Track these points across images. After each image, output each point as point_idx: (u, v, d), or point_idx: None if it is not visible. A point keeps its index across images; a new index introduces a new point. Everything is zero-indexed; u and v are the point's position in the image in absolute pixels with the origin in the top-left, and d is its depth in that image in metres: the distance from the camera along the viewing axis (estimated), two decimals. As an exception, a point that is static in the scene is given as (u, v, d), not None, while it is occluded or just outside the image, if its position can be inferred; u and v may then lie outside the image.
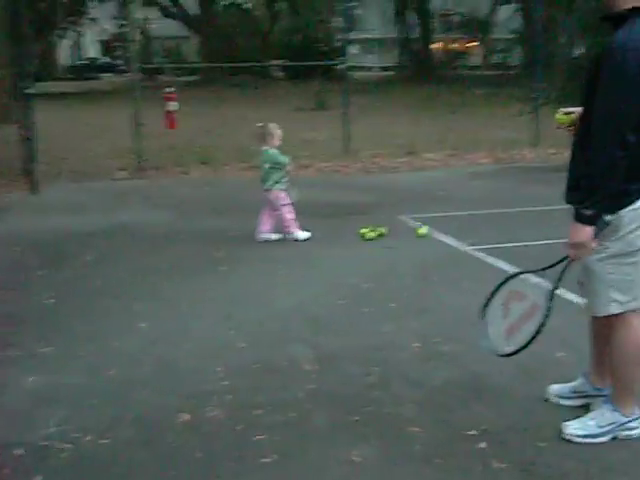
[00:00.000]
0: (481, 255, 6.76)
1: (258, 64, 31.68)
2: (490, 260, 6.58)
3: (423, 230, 7.54)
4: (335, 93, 22.01)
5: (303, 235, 7.31)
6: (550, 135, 13.35)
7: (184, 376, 4.23)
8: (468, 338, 4.65)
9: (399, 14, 39.04)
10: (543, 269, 3.46)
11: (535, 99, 13.67)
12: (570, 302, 4.78)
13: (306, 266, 6.51)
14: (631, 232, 3.21)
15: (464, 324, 4.90)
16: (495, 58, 44.33)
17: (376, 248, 7.07)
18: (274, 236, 7.31)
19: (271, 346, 4.65)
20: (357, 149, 12.58)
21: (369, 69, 43.71)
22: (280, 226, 7.35)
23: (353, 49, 52.84)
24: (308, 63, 29.16)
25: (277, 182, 7.32)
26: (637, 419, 3.49)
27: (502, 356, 3.48)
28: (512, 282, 3.54)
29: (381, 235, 7.39)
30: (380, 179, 11.02)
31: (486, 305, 3.56)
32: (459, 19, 43.03)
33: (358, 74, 40.94)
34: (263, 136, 7.25)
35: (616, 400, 3.48)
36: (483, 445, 3.46)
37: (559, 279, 3.35)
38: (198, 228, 7.90)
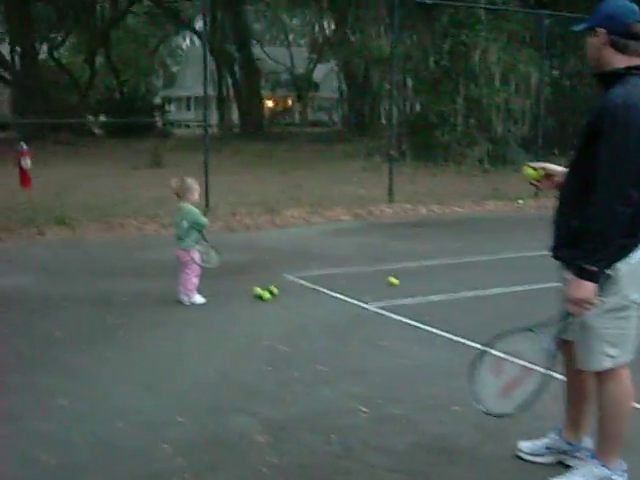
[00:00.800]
0: (385, 312, 6.73)
1: (74, 120, 30.66)
2: (396, 317, 6.55)
3: (394, 280, 7.73)
4: (162, 151, 22.09)
5: (201, 300, 7.00)
6: (401, 190, 13.78)
7: (130, 457, 3.86)
8: (411, 399, 4.63)
9: (228, 71, 39.26)
10: (529, 329, 3.40)
11: (390, 156, 14.00)
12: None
13: (211, 329, 6.24)
14: (626, 286, 3.22)
15: (402, 385, 4.88)
16: (319, 116, 45.65)
17: (275, 308, 6.89)
18: (199, 299, 6.96)
19: (211, 419, 4.35)
20: (213, 207, 12.33)
21: (187, 126, 43.46)
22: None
23: (170, 106, 52.67)
24: (126, 120, 28.62)
25: (196, 242, 7.01)
26: (620, 471, 3.47)
27: (500, 416, 3.39)
28: (502, 341, 3.45)
29: (272, 294, 7.19)
30: (248, 237, 10.84)
31: (474, 367, 3.44)
32: (285, 77, 43.94)
33: (178, 131, 40.91)
34: (182, 191, 6.95)
35: (603, 454, 3.48)
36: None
37: (560, 335, 3.30)
38: (77, 292, 7.40)
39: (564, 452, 3.77)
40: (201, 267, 7.01)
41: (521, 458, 3.85)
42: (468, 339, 5.83)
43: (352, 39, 22.75)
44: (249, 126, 35.21)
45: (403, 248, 9.93)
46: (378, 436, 4.13)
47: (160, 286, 7.58)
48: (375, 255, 9.42)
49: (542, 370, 3.28)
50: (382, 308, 6.88)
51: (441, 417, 4.40)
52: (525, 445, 3.84)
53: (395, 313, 6.68)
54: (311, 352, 5.57)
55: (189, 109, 63.36)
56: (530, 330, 3.37)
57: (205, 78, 12.31)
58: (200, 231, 7.03)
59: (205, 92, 12.44)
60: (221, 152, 24.72)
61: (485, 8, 18.96)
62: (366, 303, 7.03)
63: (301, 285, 7.74)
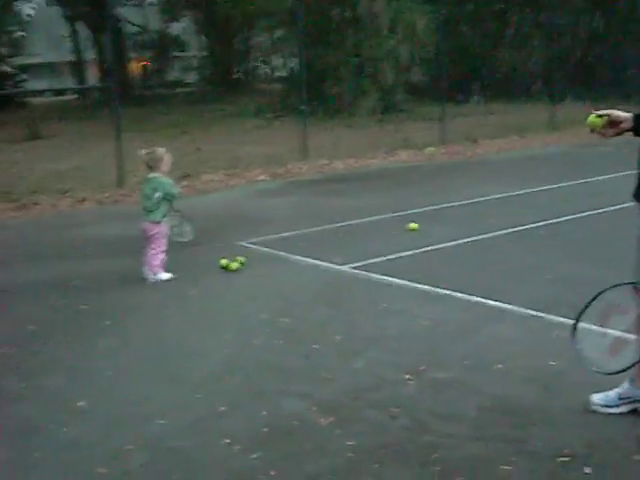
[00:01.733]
0: (363, 272, 6.55)
1: None
2: (377, 276, 6.40)
3: (415, 225, 8.00)
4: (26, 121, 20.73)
5: (167, 276, 6.61)
6: (315, 147, 13.56)
7: (193, 458, 3.56)
8: (450, 361, 4.53)
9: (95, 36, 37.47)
10: (633, 282, 3.37)
11: (301, 112, 13.70)
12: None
13: (197, 307, 5.92)
14: None
15: (430, 347, 4.78)
16: (185, 76, 44.39)
17: (250, 279, 6.60)
18: (165, 275, 6.55)
19: (258, 405, 4.08)
20: (126, 177, 11.76)
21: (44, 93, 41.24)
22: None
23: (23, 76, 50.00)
24: None
25: (165, 215, 6.57)
26: None
27: (611, 374, 3.31)
28: (607, 295, 3.36)
29: (242, 264, 6.88)
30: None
31: (576, 323, 3.37)
32: (150, 37, 42.38)
33: (37, 100, 38.74)
34: (153, 162, 6.52)
35: None
36: (588, 470, 3.23)
37: None
38: (25, 280, 6.84)
39: (639, 400, 3.71)
40: (176, 241, 6.67)
41: (595, 411, 3.75)
42: (464, 292, 5.80)
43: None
44: (118, 90, 33.70)
45: (341, 205, 9.76)
46: (440, 404, 3.98)
47: (112, 265, 7.17)
48: (316, 214, 9.23)
49: None
50: (357, 268, 6.72)
51: (490, 377, 4.30)
52: (597, 397, 3.78)
53: (374, 272, 6.52)
54: (316, 322, 5.35)
55: (40, 77, 60.27)
56: (634, 284, 3.33)
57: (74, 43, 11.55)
58: (171, 202, 6.61)
59: (80, 58, 11.71)
60: (99, 120, 23.67)
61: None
62: (339, 265, 6.82)
63: (260, 251, 7.46)
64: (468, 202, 9.48)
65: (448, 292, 5.85)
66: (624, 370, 3.30)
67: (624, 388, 3.74)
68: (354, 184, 11.52)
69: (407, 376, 4.33)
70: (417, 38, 19.27)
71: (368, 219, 8.74)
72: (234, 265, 6.84)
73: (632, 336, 3.34)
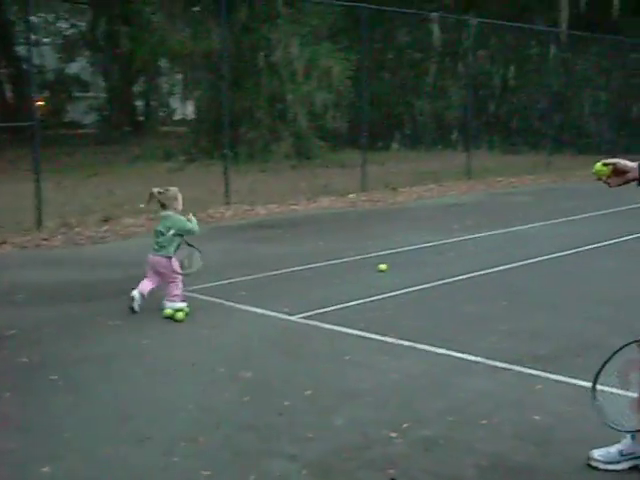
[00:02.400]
0: (316, 323, 6.42)
1: None
2: (333, 327, 6.27)
3: (384, 266, 8.17)
4: None
5: (183, 305, 6.73)
6: (233, 191, 13.36)
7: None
8: (431, 417, 4.40)
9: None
10: None
11: (223, 156, 13.52)
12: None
13: (151, 359, 5.60)
14: None
15: (409, 402, 4.64)
16: (85, 116, 43.43)
17: (199, 329, 6.35)
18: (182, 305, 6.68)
19: (244, 467, 3.84)
20: (43, 219, 11.27)
21: None
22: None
23: None
24: None
25: (176, 250, 6.79)
26: None
27: (633, 432, 3.27)
28: (626, 351, 3.33)
29: (186, 313, 6.62)
30: (100, 251, 9.99)
31: (595, 383, 3.33)
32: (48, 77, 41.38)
33: None
34: (168, 200, 6.76)
35: None
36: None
37: None
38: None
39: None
40: (183, 273, 6.83)
41: (595, 467, 3.68)
42: (426, 344, 5.72)
43: (145, 35, 21.70)
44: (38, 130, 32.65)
45: (273, 252, 9.59)
46: (436, 463, 3.84)
47: (49, 313, 6.82)
48: (249, 261, 9.03)
49: None
50: (308, 318, 6.56)
51: (477, 433, 4.18)
52: (598, 453, 3.70)
53: (327, 322, 6.36)
54: (281, 375, 5.14)
55: None
56: None
57: None
58: (183, 237, 6.81)
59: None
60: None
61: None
62: (289, 315, 6.63)
63: (202, 300, 7.19)
64: (401, 250, 9.47)
65: (410, 344, 5.74)
66: None
67: (626, 444, 3.68)
68: (281, 230, 11.36)
69: (393, 434, 4.17)
70: (332, 84, 19.36)
71: (304, 267, 8.60)
72: (180, 315, 6.57)
73: None
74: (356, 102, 16.79)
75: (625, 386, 3.34)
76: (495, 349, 5.58)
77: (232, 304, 7.04)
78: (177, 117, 53.26)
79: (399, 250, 9.41)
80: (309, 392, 4.81)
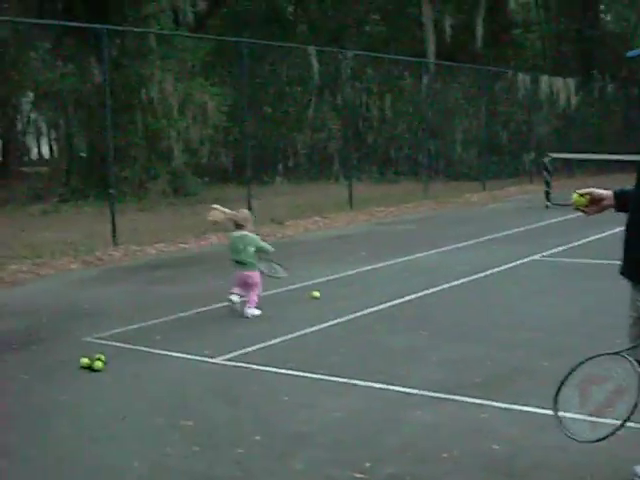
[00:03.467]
0: (241, 364, 6.30)
1: None
2: (258, 368, 6.16)
3: (316, 293, 8.45)
4: None
5: (259, 312, 7.85)
6: (123, 233, 13.01)
7: None
8: (391, 455, 4.36)
9: None
10: (619, 352, 3.42)
11: (109, 196, 13.13)
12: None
13: (78, 416, 5.31)
14: None
15: (361, 441, 4.58)
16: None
17: (122, 378, 6.09)
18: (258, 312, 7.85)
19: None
20: None
21: None
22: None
23: None
24: None
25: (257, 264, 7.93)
26: None
27: (591, 442, 3.39)
28: (585, 367, 3.45)
29: (104, 362, 6.35)
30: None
31: (557, 395, 3.45)
32: None
33: None
34: (243, 221, 7.92)
35: None
36: None
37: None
38: None
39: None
40: (274, 277, 8.15)
41: None
42: (362, 379, 5.69)
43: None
44: None
45: (176, 292, 9.36)
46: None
47: None
48: (154, 303, 8.78)
49: (634, 391, 3.26)
50: (232, 360, 6.42)
51: (443, 467, 4.18)
52: None
53: (253, 363, 6.25)
54: (224, 422, 5.01)
55: None
56: (617, 354, 3.38)
57: None
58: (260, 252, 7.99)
59: None
60: None
61: (154, 33, 18.63)
62: (213, 357, 6.47)
63: (115, 347, 6.91)
64: (306, 284, 9.42)
65: (345, 380, 5.70)
66: (603, 439, 3.34)
67: None
68: (178, 270, 11.12)
69: (358, 474, 4.11)
70: (208, 120, 19.23)
71: (213, 306, 8.42)
72: (99, 364, 6.28)
73: (610, 407, 3.37)
74: (238, 137, 16.69)
75: (584, 399, 3.42)
76: (431, 380, 5.61)
77: (149, 349, 6.80)
78: (34, 157, 51.52)
79: (304, 284, 9.36)
80: (258, 437, 4.68)
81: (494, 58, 26.15)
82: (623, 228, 3.60)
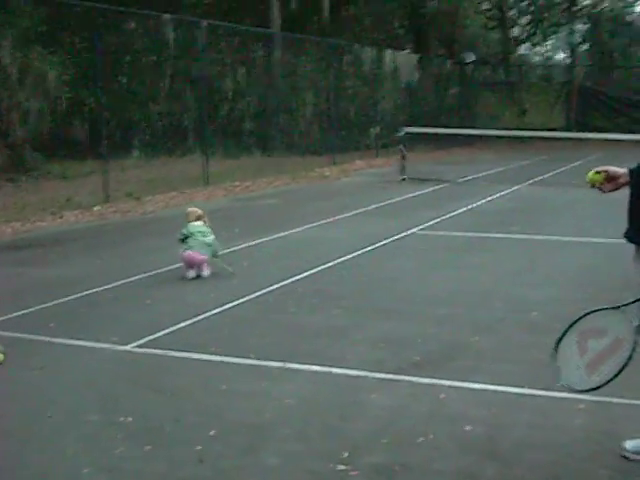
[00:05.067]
0: (157, 351, 5.89)
1: None
2: (180, 355, 5.77)
3: None
4: None
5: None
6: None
7: None
8: (367, 444, 4.17)
9: None
10: (619, 306, 3.50)
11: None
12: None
13: None
14: None
15: (330, 431, 4.35)
16: None
17: (27, 372, 5.52)
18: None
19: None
20: None
21: None
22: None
23: None
24: None
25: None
26: None
27: (584, 391, 3.50)
28: (585, 320, 3.53)
29: (4, 354, 5.77)
30: None
31: (558, 343, 3.52)
32: None
33: None
34: (202, 216, 8.68)
35: None
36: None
37: None
38: None
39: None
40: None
41: (628, 458, 3.79)
42: (298, 362, 5.46)
43: None
44: None
45: (54, 275, 8.70)
46: (410, 493, 3.58)
47: None
48: (34, 287, 8.15)
49: (629, 344, 3.38)
50: (144, 346, 6.02)
51: (426, 452, 4.04)
52: (631, 444, 3.82)
53: (170, 349, 5.88)
54: (166, 417, 4.61)
55: None
56: (617, 308, 3.48)
57: None
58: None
59: None
60: None
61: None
62: (122, 345, 6.02)
63: (9, 336, 6.28)
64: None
65: (279, 364, 5.44)
66: (598, 388, 3.45)
67: None
68: (44, 250, 10.36)
69: (341, 466, 3.87)
70: (49, 91, 18.05)
71: (100, 288, 7.88)
72: (0, 357, 5.68)
73: (608, 356, 3.45)
74: (94, 109, 15.75)
75: (582, 351, 3.49)
76: (370, 361, 5.43)
77: (47, 338, 6.23)
78: None
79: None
80: (213, 432, 4.34)
81: (339, 32, 26.22)
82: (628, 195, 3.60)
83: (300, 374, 5.24)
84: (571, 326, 3.56)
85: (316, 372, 5.26)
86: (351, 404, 4.68)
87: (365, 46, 24.39)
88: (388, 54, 25.60)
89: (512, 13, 46.00)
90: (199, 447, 4.13)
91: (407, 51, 26.53)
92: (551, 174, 19.07)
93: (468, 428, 4.26)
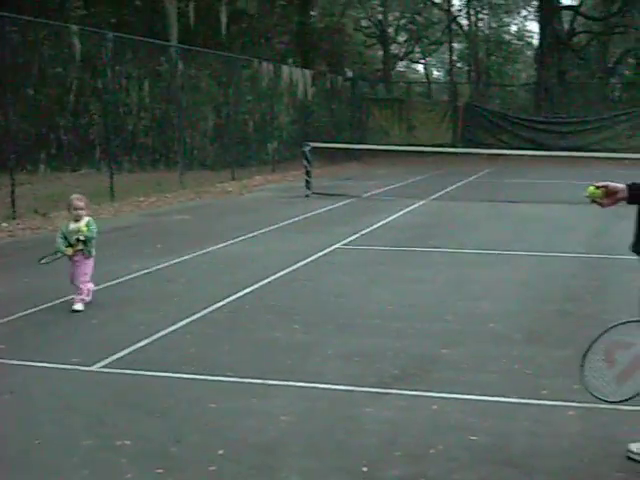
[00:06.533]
0: (127, 371, 5.78)
1: None
2: (150, 374, 5.71)
3: None
4: None
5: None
6: None
7: None
8: (381, 458, 4.24)
9: None
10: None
11: None
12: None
13: None
14: None
15: (337, 447, 4.40)
16: None
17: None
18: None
19: None
20: None
21: None
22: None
23: None
24: None
25: None
26: None
27: (616, 402, 3.68)
28: (610, 333, 3.70)
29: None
30: None
31: (584, 361, 3.69)
32: None
33: None
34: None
35: None
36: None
37: None
38: None
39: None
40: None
41: (633, 459, 3.98)
42: (279, 380, 5.46)
43: None
44: None
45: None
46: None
47: None
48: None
49: None
50: (110, 366, 5.90)
51: (440, 464, 4.13)
52: (635, 446, 3.98)
53: (140, 369, 5.80)
54: (166, 440, 4.53)
55: None
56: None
57: None
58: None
59: None
60: None
61: None
62: (87, 366, 5.87)
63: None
64: (123, 280, 8.82)
65: (259, 381, 5.44)
66: (629, 399, 3.64)
67: None
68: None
69: (360, 482, 3.89)
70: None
71: (39, 307, 7.61)
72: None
73: (636, 368, 3.64)
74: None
75: (610, 364, 3.67)
76: (350, 375, 5.50)
77: (3, 361, 5.98)
78: None
79: (120, 280, 8.75)
80: (221, 452, 4.30)
81: (233, 46, 26.19)
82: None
83: (285, 390, 5.25)
84: (596, 340, 3.72)
85: (300, 388, 5.28)
86: (349, 418, 4.72)
87: (263, 61, 24.44)
88: (285, 69, 25.75)
89: (390, 30, 47.13)
90: (213, 467, 4.09)
91: (306, 70, 26.68)
92: (451, 188, 19.62)
93: (474, 438, 4.38)
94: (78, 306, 7.35)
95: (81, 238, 7.45)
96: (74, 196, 7.76)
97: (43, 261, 7.61)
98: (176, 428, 4.62)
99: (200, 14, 25.87)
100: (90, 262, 7.61)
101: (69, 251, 7.47)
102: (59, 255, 7.56)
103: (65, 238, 7.50)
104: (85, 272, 7.52)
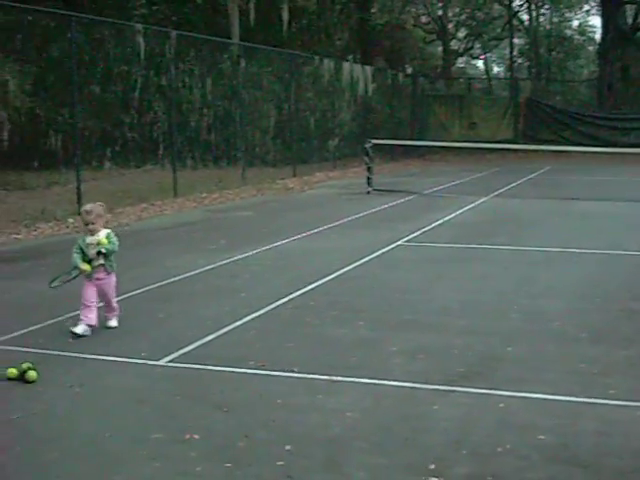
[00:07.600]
0: (195, 366, 5.87)
1: None
2: (218, 369, 5.79)
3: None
4: None
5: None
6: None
7: None
8: (446, 455, 4.21)
9: None
10: None
11: None
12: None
13: (67, 446, 4.64)
14: None
15: (403, 443, 4.40)
16: None
17: (67, 390, 5.43)
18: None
19: None
20: None
21: None
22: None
23: None
24: None
25: None
26: None
27: None
28: None
29: (36, 371, 5.63)
30: None
31: None
32: None
33: None
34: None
35: None
36: None
37: None
38: None
39: None
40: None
41: None
42: (344, 376, 5.48)
43: None
44: None
45: (48, 289, 8.46)
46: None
47: None
48: (34, 301, 7.96)
49: None
50: (178, 361, 6.00)
51: (509, 461, 4.09)
52: None
53: (207, 364, 5.87)
54: (237, 435, 4.59)
55: None
56: None
57: None
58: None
59: None
60: None
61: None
62: (155, 360, 5.98)
63: (28, 352, 6.16)
64: (187, 275, 8.94)
65: (326, 377, 5.46)
66: None
67: None
68: (29, 263, 10.15)
69: (433, 479, 3.92)
70: (9, 100, 17.70)
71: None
72: (33, 374, 5.55)
73: None
74: (66, 119, 15.49)
75: None
76: (415, 372, 5.49)
77: (75, 354, 6.12)
78: None
79: (184, 276, 8.86)
80: (289, 447, 4.34)
81: (293, 44, 26.30)
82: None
83: (350, 387, 5.26)
84: None
85: (365, 384, 5.29)
86: (415, 416, 4.72)
87: (324, 58, 24.49)
88: (346, 66, 25.76)
89: (450, 26, 46.84)
90: (281, 463, 4.12)
91: (367, 66, 26.69)
92: (513, 185, 19.42)
93: (541, 437, 4.34)
94: (113, 322, 6.89)
95: (102, 251, 6.60)
96: (83, 208, 6.85)
97: (54, 284, 6.79)
98: (243, 423, 4.67)
99: (261, 12, 26.05)
100: (114, 278, 6.89)
101: (87, 267, 6.60)
102: (74, 274, 6.68)
103: (82, 252, 6.65)
104: (112, 291, 6.89)
